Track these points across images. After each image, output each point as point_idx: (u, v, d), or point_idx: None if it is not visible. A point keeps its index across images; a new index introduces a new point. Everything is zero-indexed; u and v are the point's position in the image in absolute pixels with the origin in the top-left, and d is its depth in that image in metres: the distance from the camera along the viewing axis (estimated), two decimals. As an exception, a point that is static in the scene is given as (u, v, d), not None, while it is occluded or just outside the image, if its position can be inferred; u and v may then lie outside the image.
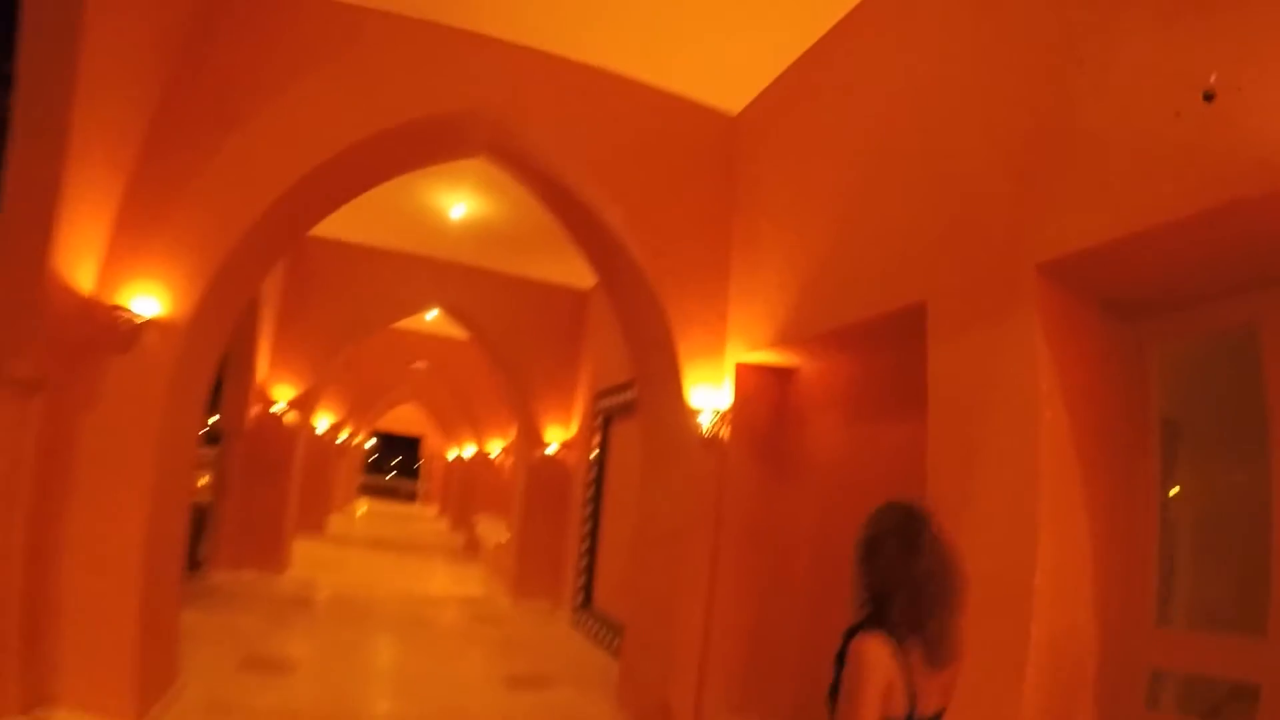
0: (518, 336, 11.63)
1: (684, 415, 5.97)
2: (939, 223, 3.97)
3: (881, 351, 5.06)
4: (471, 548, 16.93)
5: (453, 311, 11.87)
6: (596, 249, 6.80)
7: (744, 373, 6.01)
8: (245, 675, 6.29)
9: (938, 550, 2.26)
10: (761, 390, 6.09)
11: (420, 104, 5.52)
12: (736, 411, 5.93)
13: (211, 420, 9.80)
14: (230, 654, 6.73)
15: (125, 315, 4.73)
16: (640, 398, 6.88)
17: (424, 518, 28.94)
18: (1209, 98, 2.33)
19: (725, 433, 5.90)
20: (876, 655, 2.11)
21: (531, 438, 11.52)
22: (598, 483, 10.39)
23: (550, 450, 11.45)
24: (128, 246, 4.82)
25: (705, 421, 5.83)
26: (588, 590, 10.16)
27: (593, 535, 10.30)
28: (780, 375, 6.12)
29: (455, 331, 14.80)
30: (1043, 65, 3.44)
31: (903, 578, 2.21)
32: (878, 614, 2.22)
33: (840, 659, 2.21)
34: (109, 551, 4.70)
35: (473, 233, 9.93)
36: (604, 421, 10.42)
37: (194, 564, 9.92)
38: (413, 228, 10.11)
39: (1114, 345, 3.53)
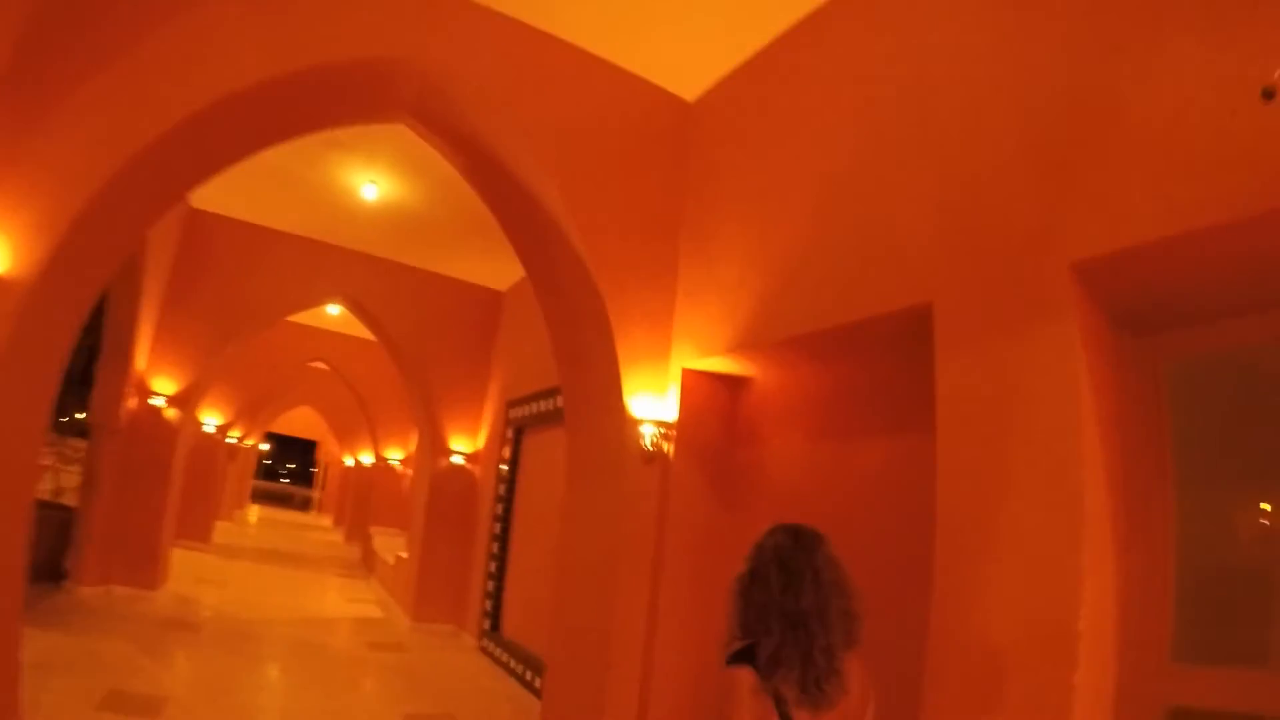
0: (425, 337, 10.84)
1: (622, 427, 5.35)
2: (947, 216, 3.50)
3: (859, 360, 4.56)
4: (367, 562, 15.77)
5: (356, 307, 10.99)
6: (527, 237, 6.10)
7: (692, 381, 5.43)
8: (105, 717, 5.40)
9: (824, 582, 2.18)
10: (711, 401, 5.51)
11: (336, 45, 4.70)
12: (683, 424, 5.34)
13: (81, 415, 8.75)
14: (89, 689, 5.81)
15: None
16: (568, 407, 6.21)
17: (318, 527, 27.31)
18: (1269, 96, 1.99)
19: (669, 448, 5.29)
20: (743, 688, 2.09)
21: (435, 447, 10.71)
22: (507, 499, 9.65)
23: (455, 461, 10.66)
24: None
25: (647, 434, 5.21)
26: (495, 615, 9.40)
27: (501, 555, 9.56)
28: (732, 385, 5.57)
29: (358, 330, 14.02)
30: (1076, 46, 3.03)
31: (780, 614, 2.14)
32: (749, 648, 2.17)
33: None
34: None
35: (384, 218, 9.16)
36: (516, 433, 9.72)
37: (56, 576, 8.84)
38: (319, 209, 9.27)
39: (1130, 361, 3.15)
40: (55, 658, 6.43)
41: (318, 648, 8.65)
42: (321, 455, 33.68)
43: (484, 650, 9.25)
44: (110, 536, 9.01)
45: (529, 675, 7.86)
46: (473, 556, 10.34)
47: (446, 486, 10.68)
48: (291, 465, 54.93)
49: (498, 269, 10.43)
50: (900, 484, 4.08)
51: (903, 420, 4.18)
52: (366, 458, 19.97)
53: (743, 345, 4.84)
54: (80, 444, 9.42)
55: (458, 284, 11.10)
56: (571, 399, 6.17)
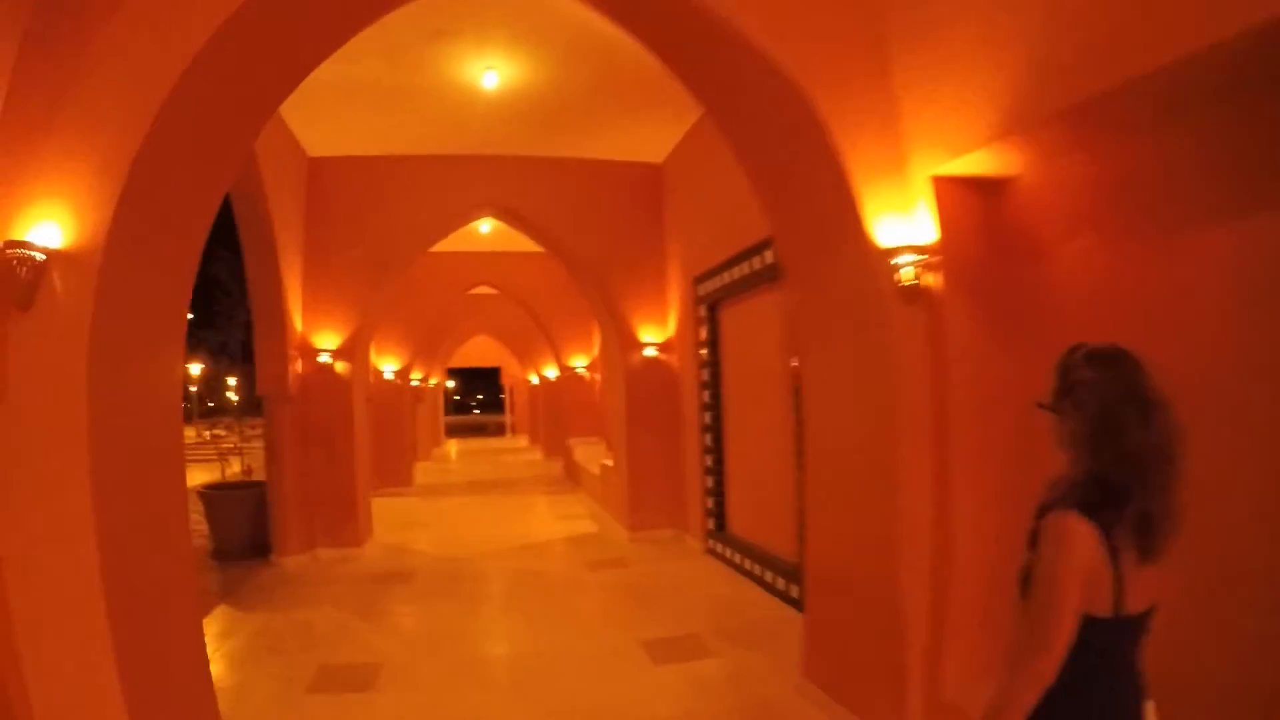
0: (589, 230, 9.80)
1: (866, 262, 4.11)
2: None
3: (1186, 117, 3.09)
4: (571, 475, 15.40)
5: (507, 214, 9.96)
6: (709, 71, 4.67)
7: (946, 190, 4.03)
8: (316, 700, 4.81)
9: (1169, 416, 1.80)
10: (972, 213, 4.12)
11: None
12: (947, 245, 4.00)
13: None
14: (298, 669, 5.28)
15: (20, 254, 3.11)
16: (786, 258, 4.97)
17: (515, 449, 27.56)
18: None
19: (933, 279, 4.01)
20: (1080, 538, 1.74)
21: (624, 343, 9.75)
22: (713, 384, 8.55)
23: (648, 354, 9.68)
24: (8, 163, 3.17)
25: (903, 265, 3.94)
26: (719, 513, 8.46)
27: (716, 447, 8.53)
28: (990, 191, 4.13)
29: (515, 243, 13.16)
30: None
31: (1134, 453, 1.76)
32: (1086, 491, 1.80)
33: (1033, 540, 1.86)
34: (50, 586, 3.14)
35: (512, 108, 8.10)
36: (710, 310, 8.55)
37: (262, 552, 8.69)
38: (440, 118, 8.34)
39: None
40: (261, 639, 6.01)
41: (535, 576, 8.00)
42: (505, 379, 34.08)
43: (712, 553, 8.40)
44: (305, 502, 8.72)
45: (770, 577, 6.92)
46: (684, 453, 9.41)
47: (643, 383, 9.76)
48: (480, 396, 56.77)
49: (649, 140, 9.23)
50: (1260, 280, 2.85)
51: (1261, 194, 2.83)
52: (551, 372, 19.55)
53: (1012, 126, 3.43)
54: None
55: (610, 165, 9.90)
56: (789, 246, 4.94)
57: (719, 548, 8.21)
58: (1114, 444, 1.79)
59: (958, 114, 3.76)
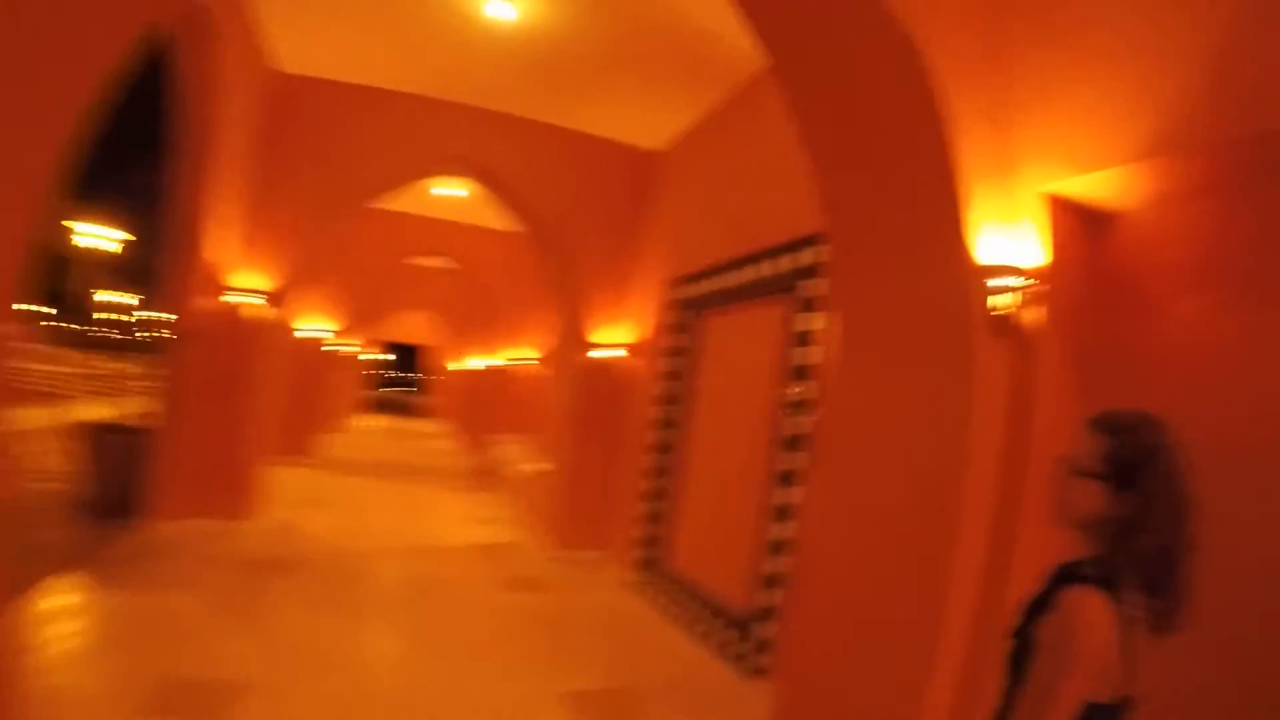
0: (570, 209, 8.83)
1: (959, 279, 3.28)
2: None
3: None
4: (488, 474, 14.19)
5: (484, 175, 8.85)
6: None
7: (1062, 213, 3.29)
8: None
9: (1189, 486, 1.77)
10: (1081, 243, 3.37)
11: None
12: (1058, 272, 3.22)
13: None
14: (139, 677, 4.15)
15: None
16: (841, 263, 4.13)
17: (434, 435, 26.28)
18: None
19: (1034, 313, 3.22)
20: (1100, 621, 1.66)
21: (584, 339, 8.81)
22: (679, 398, 7.61)
23: (609, 354, 8.75)
24: None
25: (1001, 290, 3.12)
26: (654, 544, 7.50)
27: (666, 471, 7.58)
28: (1099, 224, 3.40)
29: (481, 218, 12.42)
30: None
31: (1160, 516, 1.73)
32: (1114, 570, 1.73)
33: (1039, 604, 1.78)
34: None
35: (513, 58, 7.14)
36: (688, 316, 7.62)
37: (125, 513, 7.17)
38: (432, 52, 7.32)
39: None
40: (108, 626, 4.88)
41: (441, 589, 6.94)
42: (437, 360, 32.60)
43: (640, 587, 7.42)
44: (192, 461, 7.39)
45: (711, 626, 6.04)
46: (627, 470, 8.42)
47: (598, 386, 8.81)
48: (409, 374, 55.02)
49: (653, 123, 8.36)
50: None
51: None
52: (487, 361, 18.24)
53: (1167, 145, 2.78)
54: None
55: (606, 144, 8.94)
56: (848, 249, 4.07)
57: (649, 582, 7.26)
58: (1172, 530, 1.73)
59: (1089, 123, 3.04)
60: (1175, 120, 2.78)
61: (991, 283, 3.16)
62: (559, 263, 8.97)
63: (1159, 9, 2.92)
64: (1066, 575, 1.76)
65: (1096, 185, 3.18)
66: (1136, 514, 1.74)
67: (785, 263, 5.92)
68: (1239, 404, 2.91)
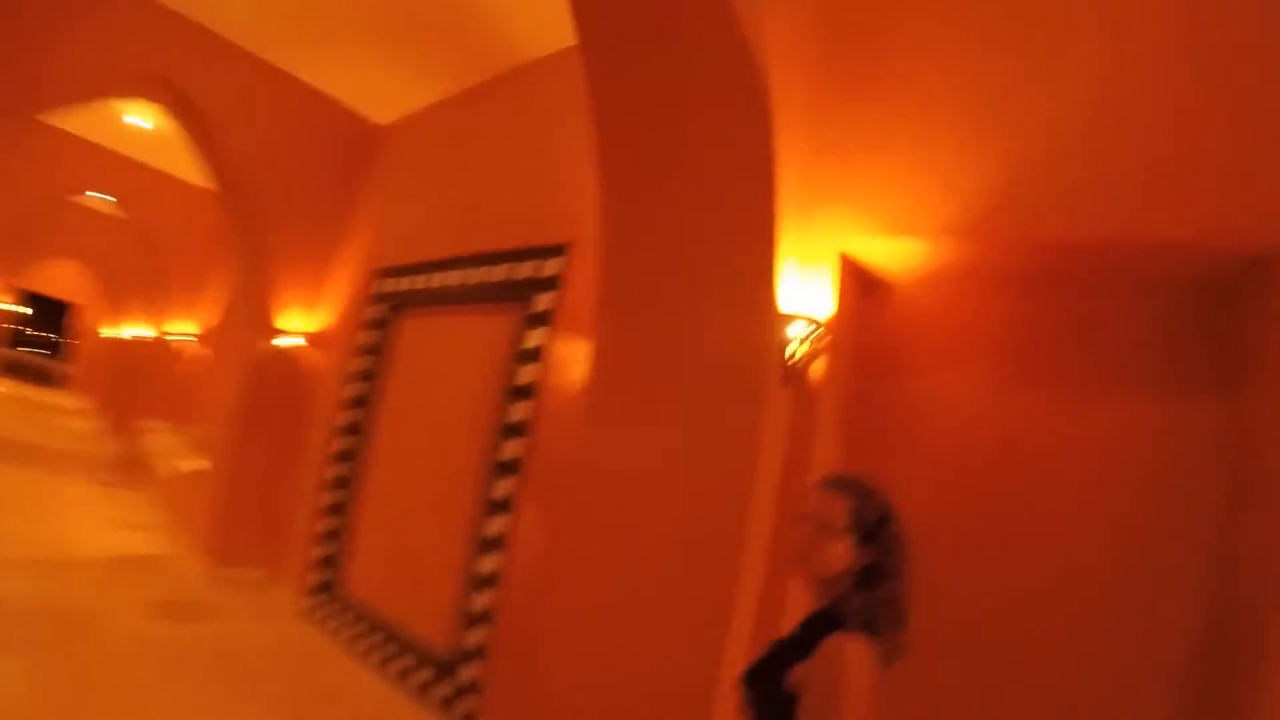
0: (270, 164, 7.46)
1: (759, 319, 3.10)
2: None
3: (1126, 292, 3.36)
4: (136, 467, 11.93)
5: (177, 101, 7.16)
6: None
7: (852, 270, 3.42)
8: None
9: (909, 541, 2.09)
10: (863, 304, 3.60)
11: None
12: (840, 328, 3.26)
13: None
14: None
15: None
16: (613, 275, 3.68)
17: (71, 412, 22.43)
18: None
19: (816, 366, 3.20)
20: (863, 664, 1.81)
21: (262, 320, 7.64)
22: (367, 402, 6.80)
23: (290, 343, 7.66)
24: None
25: (794, 337, 3.00)
26: (342, 567, 6.60)
27: (349, 485, 6.74)
28: (875, 287, 3.64)
29: (166, 161, 10.70)
30: None
31: (895, 566, 2.01)
32: (853, 606, 1.95)
33: (791, 651, 1.95)
34: None
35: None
36: (389, 313, 6.84)
37: None
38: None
39: None
40: None
41: (77, 618, 5.48)
42: (82, 322, 27.97)
43: (315, 615, 6.49)
44: None
45: (403, 664, 5.37)
46: (301, 479, 7.41)
47: (273, 377, 7.65)
48: (51, 334, 47.32)
49: (387, 93, 7.39)
50: (1167, 463, 3.20)
51: (1182, 381, 3.22)
52: (142, 330, 15.52)
53: (957, 230, 3.18)
54: None
55: (331, 105, 7.76)
56: (633, 267, 3.62)
57: (329, 611, 6.38)
58: (901, 581, 2.00)
59: (892, 191, 3.30)
60: (973, 208, 3.15)
61: (791, 329, 3.01)
62: (249, 226, 7.66)
63: (984, 104, 3.26)
64: (825, 622, 1.92)
65: (886, 250, 3.32)
66: (876, 565, 1.99)
67: (523, 270, 5.41)
68: (990, 471, 3.51)
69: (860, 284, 3.55)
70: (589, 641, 3.49)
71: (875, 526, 2.02)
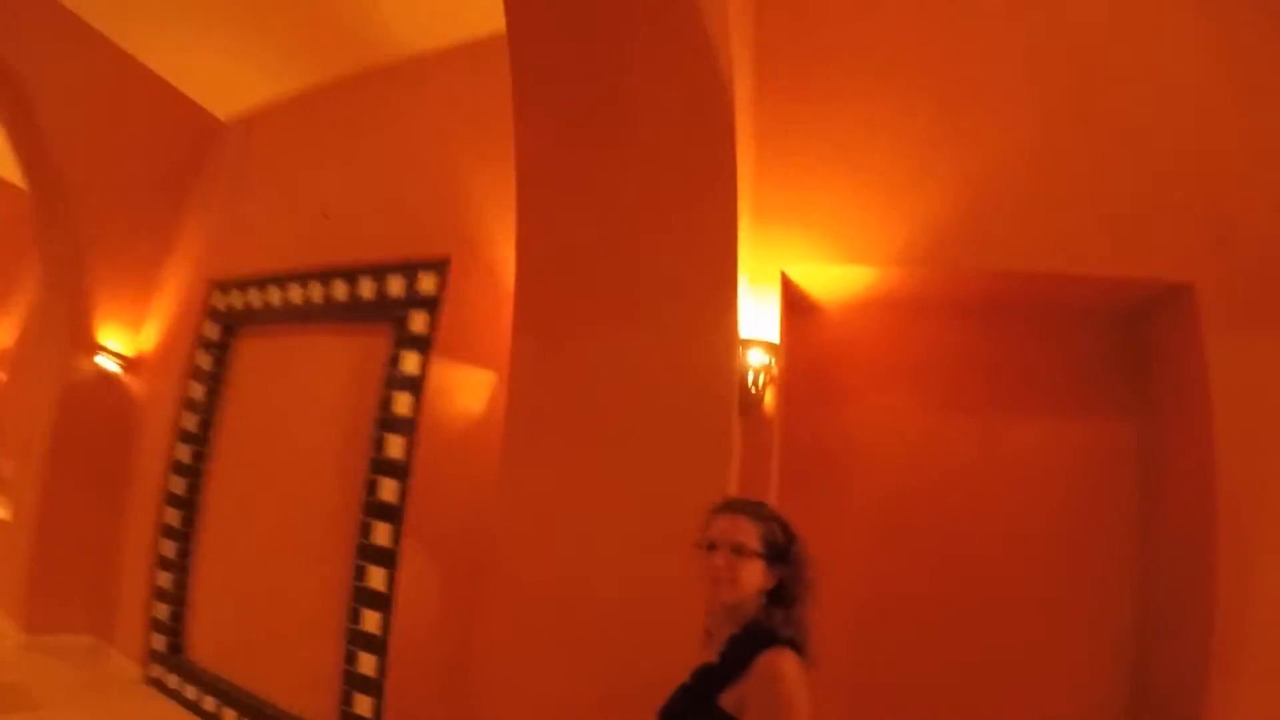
0: (91, 152, 6.29)
1: (711, 347, 2.95)
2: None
3: (1041, 322, 3.85)
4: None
5: None
6: None
7: (793, 294, 3.62)
8: None
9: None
10: (801, 329, 3.79)
11: None
12: (790, 354, 3.62)
13: None
14: None
15: None
16: (534, 291, 3.34)
17: None
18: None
19: (769, 394, 3.27)
20: (802, 678, 1.85)
21: (76, 338, 6.54)
22: (203, 439, 5.94)
23: (106, 365, 6.61)
24: None
25: (754, 365, 3.01)
26: (176, 629, 5.70)
27: (187, 532, 5.85)
28: (807, 312, 3.77)
29: None
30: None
31: (804, 586, 2.08)
32: (776, 622, 1.99)
33: (721, 674, 1.93)
34: None
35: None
36: (225, 332, 6.01)
37: None
38: None
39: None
40: None
41: None
42: None
43: (159, 685, 5.58)
44: None
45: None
46: (130, 527, 6.36)
47: (90, 406, 6.57)
48: None
49: (235, 83, 6.40)
50: (1087, 478, 3.68)
51: (1100, 402, 3.75)
52: None
53: (904, 260, 3.47)
54: None
55: (169, 91, 6.64)
56: (566, 283, 3.28)
57: (171, 679, 5.51)
58: (808, 600, 2.06)
59: (838, 218, 3.50)
60: (918, 239, 3.43)
61: (750, 355, 2.97)
62: (61, 223, 6.46)
63: (935, 134, 3.53)
64: (751, 641, 1.93)
65: (823, 275, 3.47)
66: (786, 586, 2.04)
67: (393, 286, 4.81)
68: (920, 491, 3.81)
69: (793, 307, 3.59)
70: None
71: (785, 547, 2.08)
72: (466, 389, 4.50)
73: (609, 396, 3.19)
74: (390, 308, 4.79)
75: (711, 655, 2.03)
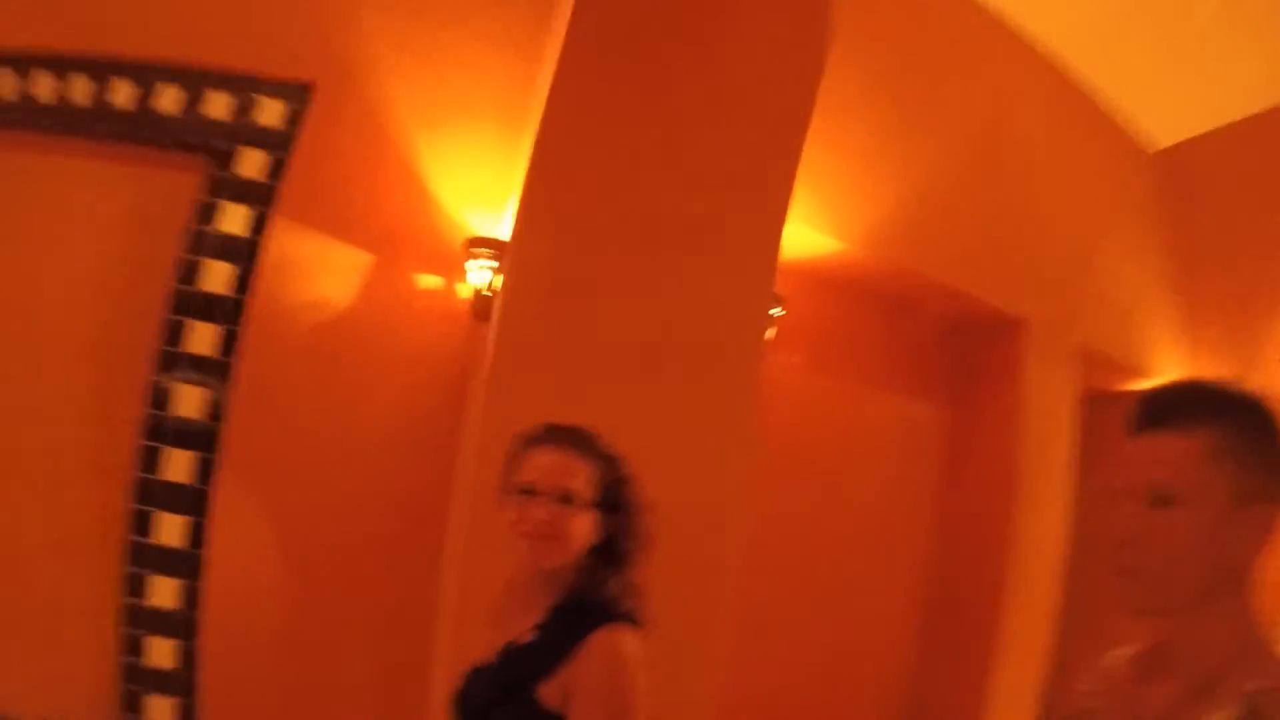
0: None
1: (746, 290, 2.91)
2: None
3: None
4: None
5: None
6: None
7: None
8: None
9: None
10: None
11: None
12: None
13: None
14: None
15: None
16: (530, 210, 2.81)
17: None
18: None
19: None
20: (642, 658, 1.49)
21: None
22: None
23: None
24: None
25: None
26: None
27: None
28: None
29: None
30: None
31: (639, 541, 1.64)
32: (610, 590, 1.57)
33: (540, 654, 1.50)
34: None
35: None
36: None
37: None
38: None
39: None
40: None
41: None
42: None
43: None
44: None
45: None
46: None
47: None
48: None
49: None
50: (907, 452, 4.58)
51: (934, 390, 4.67)
52: None
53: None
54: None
55: None
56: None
57: None
58: (640, 556, 1.64)
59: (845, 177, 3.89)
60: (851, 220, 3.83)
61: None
62: None
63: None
64: (580, 615, 1.52)
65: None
66: (617, 541, 1.62)
67: (214, 106, 3.31)
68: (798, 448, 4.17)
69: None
70: None
71: (618, 492, 1.64)
72: (326, 270, 3.25)
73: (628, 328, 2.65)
74: (204, 134, 3.28)
75: (514, 631, 1.59)
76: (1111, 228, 4.80)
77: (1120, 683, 1.16)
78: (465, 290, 3.35)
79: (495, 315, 2.89)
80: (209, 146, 3.28)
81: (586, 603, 1.56)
